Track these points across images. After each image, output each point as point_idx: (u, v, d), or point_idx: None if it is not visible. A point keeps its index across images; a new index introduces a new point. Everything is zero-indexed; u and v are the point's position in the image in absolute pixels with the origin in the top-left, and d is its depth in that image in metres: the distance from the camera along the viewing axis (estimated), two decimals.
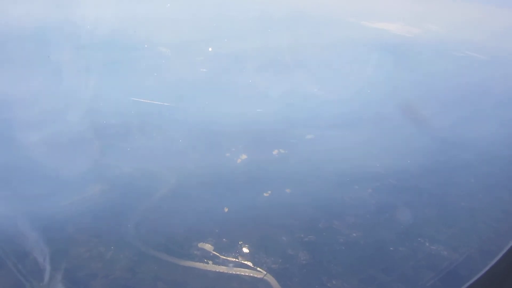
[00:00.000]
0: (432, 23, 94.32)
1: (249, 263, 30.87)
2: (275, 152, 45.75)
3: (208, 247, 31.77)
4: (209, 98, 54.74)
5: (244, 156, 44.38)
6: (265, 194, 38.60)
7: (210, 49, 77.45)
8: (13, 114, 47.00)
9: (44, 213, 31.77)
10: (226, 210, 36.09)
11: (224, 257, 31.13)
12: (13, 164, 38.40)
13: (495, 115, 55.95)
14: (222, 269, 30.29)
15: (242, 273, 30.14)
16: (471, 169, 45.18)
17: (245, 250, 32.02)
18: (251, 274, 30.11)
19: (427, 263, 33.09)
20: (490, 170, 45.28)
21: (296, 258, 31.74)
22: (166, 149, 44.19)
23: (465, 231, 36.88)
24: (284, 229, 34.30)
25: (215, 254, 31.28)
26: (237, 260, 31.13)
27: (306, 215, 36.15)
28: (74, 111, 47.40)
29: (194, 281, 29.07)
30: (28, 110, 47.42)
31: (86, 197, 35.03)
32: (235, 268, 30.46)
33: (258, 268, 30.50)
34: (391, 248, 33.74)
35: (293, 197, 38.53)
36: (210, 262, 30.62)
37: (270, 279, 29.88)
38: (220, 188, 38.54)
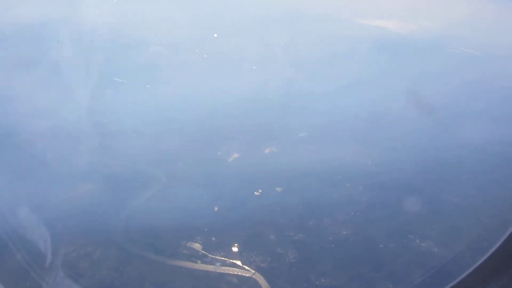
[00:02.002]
0: (427, 20, 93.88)
1: (238, 262, 30.89)
2: (267, 150, 45.65)
3: (196, 246, 31.77)
4: (203, 96, 54.58)
5: (236, 155, 44.26)
6: (255, 193, 38.56)
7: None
8: (6, 110, 47.15)
9: (32, 211, 31.75)
10: (216, 209, 36.12)
11: (213, 256, 31.15)
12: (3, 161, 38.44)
13: (489, 112, 55.57)
14: (210, 268, 30.35)
15: (230, 272, 30.19)
16: (464, 166, 44.99)
17: (234, 249, 32.02)
18: (240, 273, 30.17)
19: (417, 260, 33.18)
20: (483, 167, 45.02)
21: (285, 257, 31.75)
22: (157, 146, 44.10)
23: (456, 228, 36.93)
24: (274, 227, 34.33)
25: (203, 253, 31.29)
26: (225, 259, 31.13)
27: (296, 214, 36.18)
28: (68, 109, 47.59)
29: (182, 281, 29.16)
30: (22, 107, 47.65)
31: (73, 196, 35.04)
32: (223, 267, 30.49)
33: (247, 267, 30.54)
34: (381, 246, 33.76)
35: (283, 196, 38.54)
36: (199, 261, 30.65)
37: (259, 278, 29.93)
38: (211, 187, 38.60)
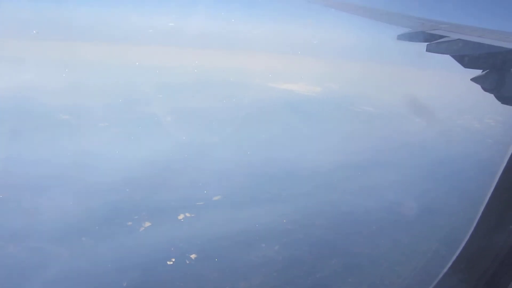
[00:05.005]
0: (331, 82, 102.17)
1: None
2: (180, 216, 44.31)
3: None
4: (110, 164, 52.73)
5: (147, 224, 42.35)
6: (168, 263, 36.65)
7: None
8: None
9: None
10: (124, 284, 33.54)
11: None
12: None
13: (394, 165, 59.46)
14: None
15: None
16: (375, 219, 46.68)
17: None
18: None
19: None
20: (393, 217, 46.99)
21: None
22: (57, 221, 40.77)
23: (372, 282, 37.49)
24: None
25: None
26: None
27: (211, 281, 34.68)
28: None
29: None
30: None
31: None
32: None
33: None
34: None
35: (198, 263, 36.98)
36: None
37: None
38: (120, 261, 36.00)
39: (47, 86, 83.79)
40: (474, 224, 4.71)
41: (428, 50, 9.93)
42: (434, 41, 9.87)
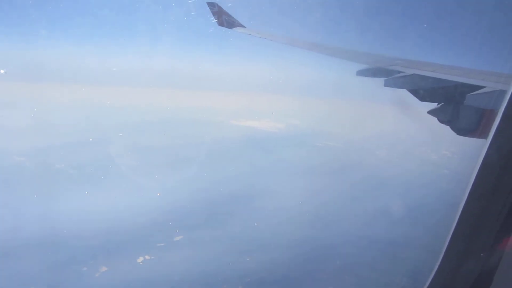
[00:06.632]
0: (294, 118, 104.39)
1: None
2: (139, 259, 42.36)
3: None
4: (64, 206, 50.44)
5: (104, 269, 40.12)
6: None
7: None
8: None
9: None
10: None
11: None
12: None
13: (352, 198, 59.87)
14: None
15: None
16: (338, 253, 46.37)
17: None
18: None
19: None
20: (357, 252, 46.70)
21: None
22: (7, 270, 38.06)
23: None
24: None
25: None
26: None
27: None
28: None
29: None
30: None
31: None
32: None
33: None
34: None
35: None
36: None
37: None
38: None
39: (3, 127, 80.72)
40: (443, 252, 4.58)
41: (386, 85, 10.13)
42: (391, 76, 10.10)
